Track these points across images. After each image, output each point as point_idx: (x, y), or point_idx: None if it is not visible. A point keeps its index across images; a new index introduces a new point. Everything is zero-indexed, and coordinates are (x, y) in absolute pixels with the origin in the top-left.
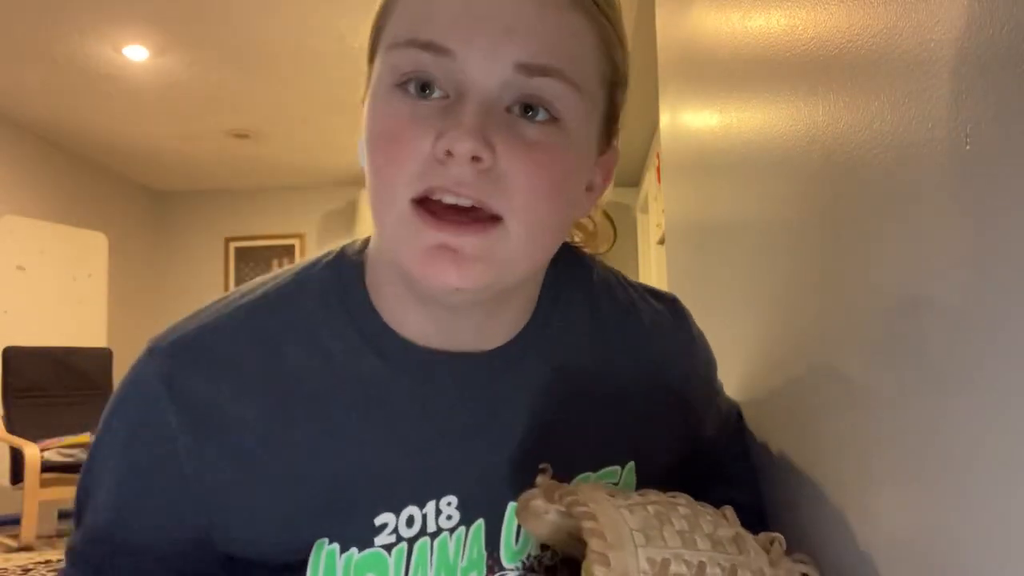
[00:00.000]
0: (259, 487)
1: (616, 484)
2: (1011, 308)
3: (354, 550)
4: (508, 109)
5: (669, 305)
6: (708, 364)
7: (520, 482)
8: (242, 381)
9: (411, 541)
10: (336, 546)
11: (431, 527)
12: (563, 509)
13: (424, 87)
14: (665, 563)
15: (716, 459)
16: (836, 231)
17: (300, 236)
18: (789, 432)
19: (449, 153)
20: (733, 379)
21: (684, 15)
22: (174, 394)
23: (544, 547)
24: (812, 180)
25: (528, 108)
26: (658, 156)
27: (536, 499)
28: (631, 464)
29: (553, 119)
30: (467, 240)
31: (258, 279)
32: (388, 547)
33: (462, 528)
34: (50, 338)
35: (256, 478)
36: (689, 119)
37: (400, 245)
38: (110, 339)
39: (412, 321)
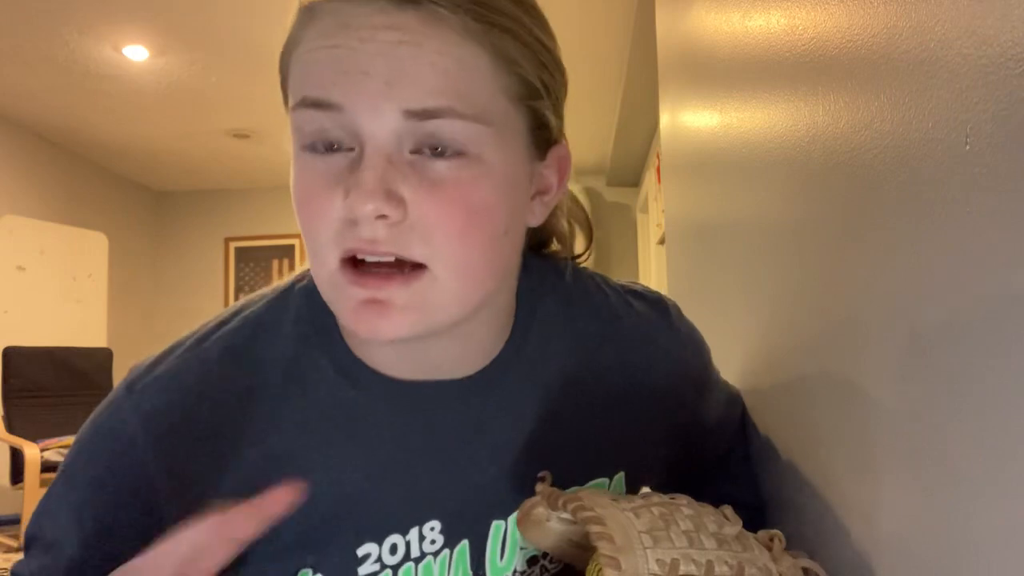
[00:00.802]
0: None
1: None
2: (1011, 308)
3: None
4: (416, 150)
5: (652, 304)
6: (698, 356)
7: (505, 501)
8: (221, 419)
9: (395, 568)
10: None
11: (415, 552)
12: (566, 516)
13: (331, 145)
14: (675, 563)
15: (718, 455)
16: (836, 231)
17: (300, 236)
18: (789, 431)
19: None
20: (733, 378)
21: (684, 15)
22: (151, 433)
23: (531, 562)
24: (812, 180)
25: (435, 146)
26: (658, 156)
27: (538, 507)
28: (620, 475)
29: (461, 153)
30: (393, 292)
31: (235, 305)
32: (372, 575)
33: (446, 551)
34: (50, 338)
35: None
36: (689, 119)
37: (333, 301)
38: (110, 339)
39: (381, 355)
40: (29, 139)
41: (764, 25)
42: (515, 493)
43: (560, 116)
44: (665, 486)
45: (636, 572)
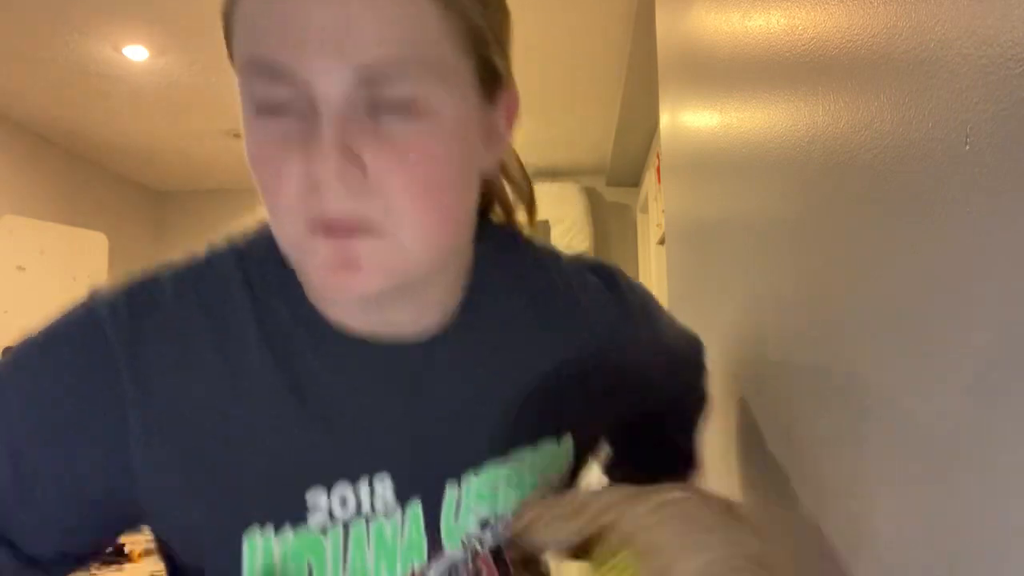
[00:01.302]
0: (194, 460)
1: (557, 457)
2: (1010, 308)
3: (288, 531)
4: (370, 108)
5: (605, 277)
6: (647, 321)
7: (455, 461)
8: (192, 349)
9: (346, 524)
10: (270, 527)
11: (365, 507)
12: (583, 527)
13: (282, 106)
14: (710, 564)
15: (670, 398)
16: (835, 231)
17: None
18: (787, 432)
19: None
20: (731, 378)
21: (684, 15)
22: (126, 342)
23: (484, 526)
24: (812, 180)
25: (389, 102)
26: (658, 156)
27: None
28: (568, 435)
29: (414, 106)
30: (360, 250)
31: (198, 251)
32: (324, 530)
33: (398, 512)
34: None
35: (194, 452)
36: (689, 119)
37: (300, 261)
38: None
39: (338, 308)
40: (29, 139)
41: (764, 25)
42: (465, 452)
43: (507, 59)
44: (614, 436)
45: None
